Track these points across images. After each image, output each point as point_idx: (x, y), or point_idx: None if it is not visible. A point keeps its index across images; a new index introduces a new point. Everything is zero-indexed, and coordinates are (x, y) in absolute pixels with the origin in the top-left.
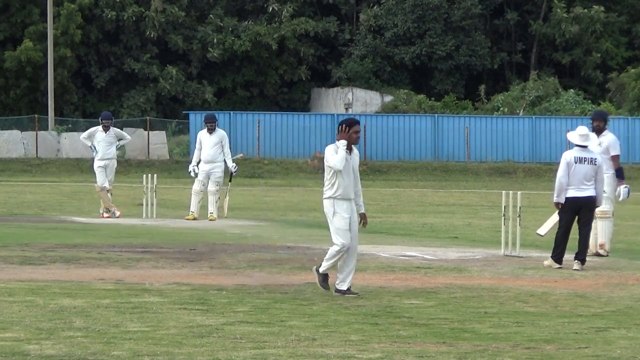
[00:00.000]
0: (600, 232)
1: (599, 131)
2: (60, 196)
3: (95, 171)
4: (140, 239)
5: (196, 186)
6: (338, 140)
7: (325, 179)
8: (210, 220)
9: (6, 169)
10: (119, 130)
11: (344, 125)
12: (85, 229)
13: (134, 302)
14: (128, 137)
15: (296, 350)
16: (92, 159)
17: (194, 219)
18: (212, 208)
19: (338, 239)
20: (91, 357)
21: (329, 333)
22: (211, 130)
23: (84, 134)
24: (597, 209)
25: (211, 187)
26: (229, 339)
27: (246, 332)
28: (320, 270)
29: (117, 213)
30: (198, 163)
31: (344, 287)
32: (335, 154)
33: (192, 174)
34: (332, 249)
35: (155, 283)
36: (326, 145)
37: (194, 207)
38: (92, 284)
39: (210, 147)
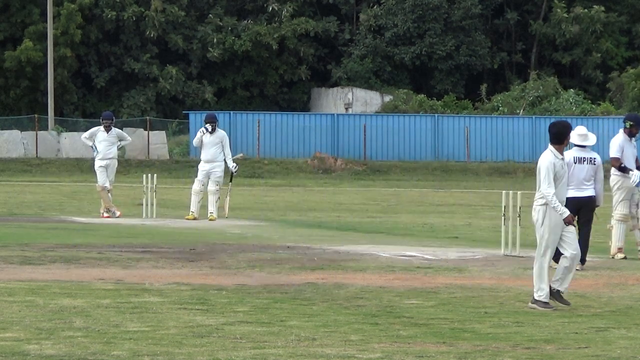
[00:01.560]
0: (616, 234)
1: (633, 135)
2: (60, 196)
3: (96, 171)
4: (140, 239)
5: (196, 186)
6: (552, 146)
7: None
8: (210, 220)
9: (6, 169)
10: (120, 130)
11: (564, 135)
12: (85, 229)
13: (134, 302)
14: (129, 138)
15: (296, 350)
16: (93, 159)
17: (194, 219)
18: (212, 208)
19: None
20: (91, 357)
21: (329, 333)
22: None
23: (85, 134)
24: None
25: (211, 187)
26: (229, 339)
27: (246, 332)
28: (561, 289)
29: (117, 213)
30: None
31: (561, 287)
32: (556, 208)
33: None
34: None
35: (155, 283)
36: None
37: (194, 207)
38: (92, 284)
39: (211, 147)
